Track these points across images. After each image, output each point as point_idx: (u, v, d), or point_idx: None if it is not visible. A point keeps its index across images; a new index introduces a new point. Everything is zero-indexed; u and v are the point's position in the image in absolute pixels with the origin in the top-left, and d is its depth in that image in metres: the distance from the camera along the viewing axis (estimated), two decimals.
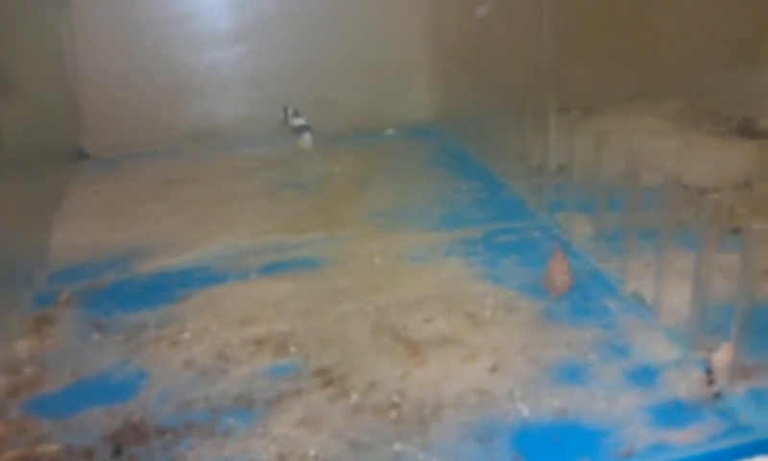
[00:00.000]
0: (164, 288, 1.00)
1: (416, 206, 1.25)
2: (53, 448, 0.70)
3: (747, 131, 1.37)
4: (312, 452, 0.67)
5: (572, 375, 0.76)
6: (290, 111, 1.50)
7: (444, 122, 1.73)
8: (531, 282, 0.95)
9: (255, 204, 1.29)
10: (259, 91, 1.69)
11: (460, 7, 1.56)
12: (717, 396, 0.72)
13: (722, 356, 0.75)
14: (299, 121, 1.49)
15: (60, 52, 1.57)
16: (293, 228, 1.17)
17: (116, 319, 0.93)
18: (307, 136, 1.47)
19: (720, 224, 0.92)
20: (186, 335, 0.88)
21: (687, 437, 0.67)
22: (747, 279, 0.73)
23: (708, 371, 0.75)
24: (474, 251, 1.06)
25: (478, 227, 1.14)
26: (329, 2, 1.68)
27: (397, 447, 0.67)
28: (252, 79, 1.68)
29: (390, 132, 1.71)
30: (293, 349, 0.84)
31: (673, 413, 0.70)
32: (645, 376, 0.76)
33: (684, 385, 0.74)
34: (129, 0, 1.59)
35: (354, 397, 0.74)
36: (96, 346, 0.87)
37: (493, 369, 0.77)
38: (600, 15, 1.55)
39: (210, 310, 0.93)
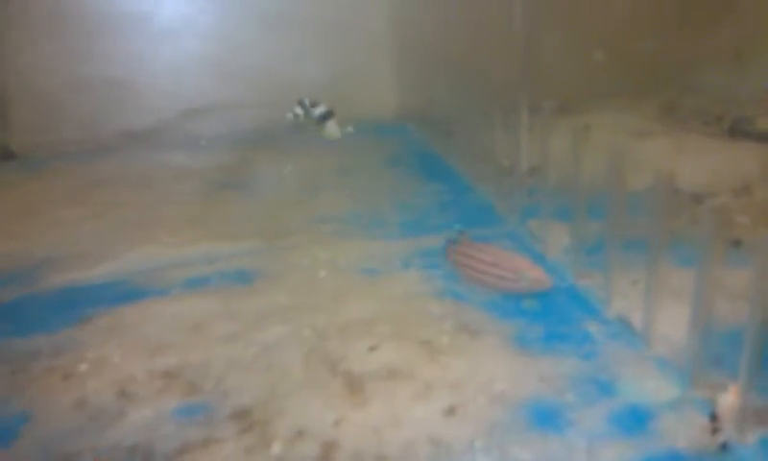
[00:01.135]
0: (69, 307, 0.85)
1: (372, 211, 1.11)
2: None
3: (740, 131, 1.24)
4: None
5: (546, 419, 0.62)
6: (307, 102, 1.35)
7: (408, 118, 1.60)
8: (498, 300, 0.81)
9: (187, 208, 1.15)
10: (205, 88, 1.55)
11: None
12: (724, 447, 0.58)
13: (729, 399, 0.61)
14: (319, 109, 1.34)
15: None
16: (226, 235, 1.03)
17: (5, 345, 0.78)
18: (332, 123, 1.31)
19: (720, 235, 0.79)
20: (83, 367, 0.73)
21: None
22: (758, 301, 0.59)
23: (713, 416, 0.61)
24: (435, 263, 0.91)
25: (441, 234, 1.00)
26: None
27: None
28: (196, 75, 1.54)
29: (349, 129, 1.56)
30: (208, 384, 0.69)
31: None
32: (635, 420, 0.62)
33: (683, 433, 0.60)
34: None
35: (276, 448, 0.60)
36: None
37: (450, 411, 0.63)
38: (576, 7, 1.43)
39: (117, 335, 0.78)
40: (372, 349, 0.72)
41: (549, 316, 0.78)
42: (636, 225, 0.77)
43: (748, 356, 0.60)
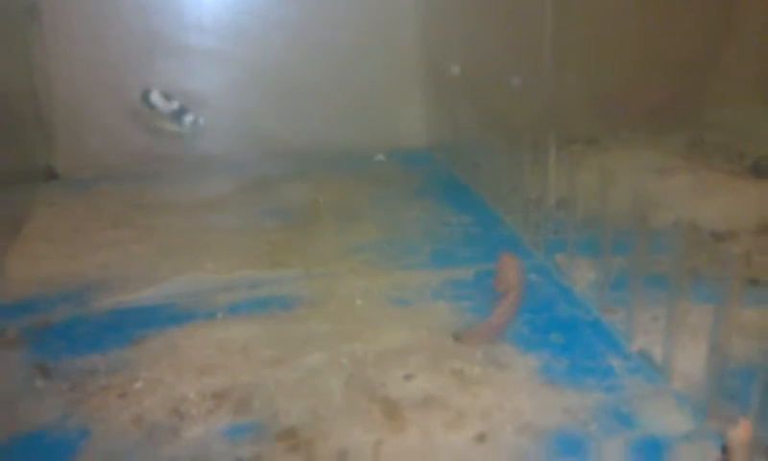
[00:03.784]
0: (120, 328, 0.91)
1: (404, 241, 1.16)
2: None
3: (762, 170, 1.28)
4: None
5: (571, 448, 0.67)
6: (156, 95, 1.26)
7: (437, 148, 1.65)
8: (526, 333, 0.86)
9: (229, 234, 1.20)
10: (243, 114, 1.60)
11: (456, 30, 1.48)
12: None
13: (740, 433, 0.65)
14: (173, 104, 1.28)
15: (31, 69, 1.49)
16: (268, 262, 1.08)
17: (63, 363, 0.83)
18: (189, 119, 1.25)
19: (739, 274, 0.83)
20: (138, 385, 0.78)
21: None
22: None
23: (724, 449, 0.65)
24: (465, 294, 0.96)
25: (470, 266, 1.05)
26: (322, 22, 1.61)
27: None
28: (236, 100, 1.60)
29: (380, 157, 1.62)
30: (256, 405, 0.74)
31: None
32: (652, 451, 0.66)
33: None
34: (103, 14, 1.51)
35: None
36: (38, 395, 0.78)
37: (481, 438, 0.68)
38: (603, 44, 1.47)
39: (168, 356, 0.84)
40: (408, 377, 0.77)
41: (574, 349, 0.83)
42: (659, 262, 0.81)
43: (759, 391, 0.64)
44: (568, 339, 0.85)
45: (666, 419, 0.70)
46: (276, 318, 0.92)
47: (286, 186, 1.44)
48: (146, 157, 1.56)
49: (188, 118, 1.24)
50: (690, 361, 0.76)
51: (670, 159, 1.36)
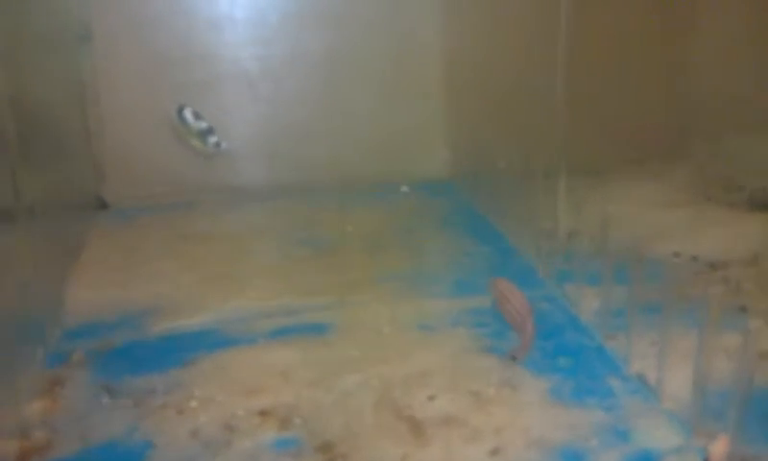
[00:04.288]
0: (174, 351, 1.02)
1: (428, 271, 1.26)
2: None
3: (758, 202, 1.37)
4: None
5: (574, 460, 0.77)
6: (189, 112, 1.39)
7: (458, 180, 1.75)
8: (537, 358, 0.96)
9: (266, 263, 1.31)
10: (274, 148, 1.71)
11: (476, 67, 1.58)
12: None
13: (719, 447, 0.75)
14: (202, 124, 1.41)
15: (83, 99, 1.60)
16: (304, 291, 1.19)
17: (126, 382, 0.94)
18: (213, 140, 1.37)
19: (725, 302, 0.93)
20: (193, 403, 0.89)
21: None
22: (746, 362, 0.73)
23: None
24: (482, 321, 1.06)
25: (487, 295, 1.15)
26: (348, 57, 1.71)
27: None
28: (269, 133, 1.71)
29: (405, 189, 1.72)
30: (297, 421, 0.85)
31: None
32: None
33: None
34: (152, 48, 1.62)
35: None
36: (106, 411, 0.89)
37: (495, 452, 0.78)
38: (611, 78, 1.56)
39: (218, 377, 0.94)
40: (431, 398, 0.87)
41: (580, 372, 0.93)
42: (656, 291, 0.91)
43: (736, 409, 0.74)
44: (575, 363, 0.95)
45: (658, 434, 0.80)
46: (311, 343, 1.03)
47: (316, 216, 1.55)
48: (188, 187, 1.67)
49: (212, 139, 1.32)
50: (680, 383, 0.86)
51: (673, 192, 1.45)
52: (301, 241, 1.41)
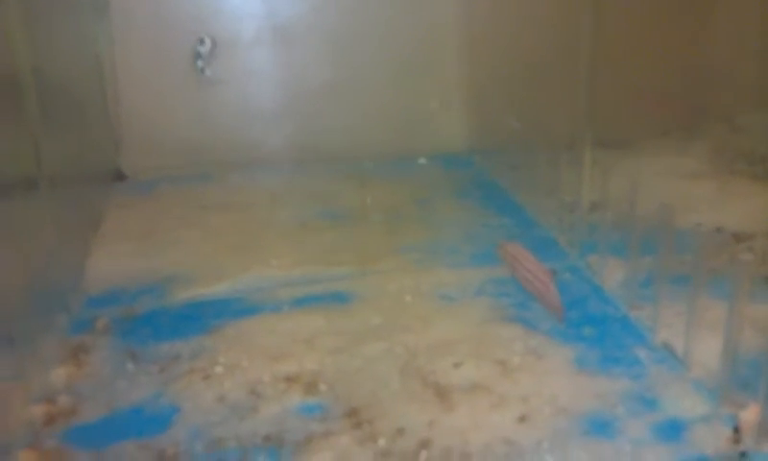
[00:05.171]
0: (198, 318, 1.02)
1: (448, 242, 1.26)
2: None
3: None
4: None
5: (600, 427, 0.76)
6: (207, 38, 1.46)
7: (477, 152, 1.74)
8: (561, 327, 0.96)
9: (286, 233, 1.31)
10: (294, 118, 1.71)
11: (496, 37, 1.57)
12: (743, 455, 0.72)
13: (750, 415, 0.75)
14: (201, 48, 1.46)
15: (101, 70, 1.60)
16: (325, 260, 1.18)
17: (150, 349, 0.95)
18: (200, 64, 1.42)
19: (753, 272, 0.92)
20: (218, 369, 0.89)
21: None
22: None
23: (736, 429, 0.75)
24: (505, 291, 1.06)
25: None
26: (367, 30, 1.70)
27: None
28: (287, 105, 1.70)
29: (422, 161, 1.72)
30: (323, 388, 0.85)
31: None
32: (673, 430, 0.76)
33: (711, 442, 0.74)
34: (168, 19, 1.62)
35: (382, 442, 0.75)
36: (130, 377, 0.89)
37: (522, 419, 0.78)
38: (635, 51, 1.55)
39: (242, 344, 0.94)
40: (456, 365, 0.87)
41: (605, 342, 0.92)
42: (683, 262, 0.90)
43: (765, 380, 0.74)
44: (600, 333, 0.95)
45: (685, 403, 0.80)
46: (334, 311, 1.03)
47: (335, 188, 1.54)
48: (205, 159, 1.67)
49: (199, 62, 1.50)
50: (708, 353, 0.85)
51: (697, 164, 1.44)
52: (321, 212, 1.40)
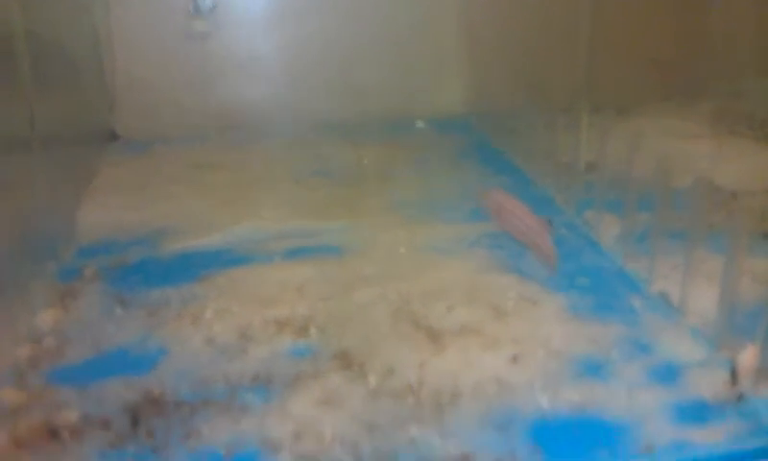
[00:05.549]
0: (188, 268, 1.01)
1: (443, 199, 1.24)
2: (71, 416, 0.71)
3: None
4: (329, 433, 0.67)
5: (594, 370, 0.75)
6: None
7: (474, 115, 1.73)
8: (558, 276, 0.94)
9: (281, 190, 1.30)
10: (290, 80, 1.69)
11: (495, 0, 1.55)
12: (740, 397, 0.71)
13: (747, 358, 0.73)
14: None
15: (96, 33, 1.58)
16: (318, 215, 1.17)
17: (139, 295, 0.93)
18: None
19: (751, 228, 0.91)
20: (208, 314, 0.88)
21: (709, 436, 0.66)
22: None
23: (733, 372, 0.73)
24: (500, 244, 1.04)
25: None
26: None
27: (414, 431, 0.67)
28: (283, 68, 1.69)
29: (420, 124, 1.70)
30: (313, 331, 0.83)
31: (695, 412, 0.69)
32: (668, 374, 0.75)
33: (708, 385, 0.73)
34: None
35: (372, 381, 0.74)
36: (118, 320, 0.88)
37: (514, 360, 0.76)
38: (636, 14, 1.54)
39: (232, 291, 0.93)
40: (449, 309, 0.86)
41: (599, 291, 0.91)
42: (679, 218, 0.89)
43: (764, 325, 0.72)
44: (594, 283, 0.93)
45: (681, 348, 0.79)
46: (327, 262, 1.01)
47: (330, 150, 1.53)
48: (199, 121, 1.65)
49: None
50: (704, 302, 0.84)
51: (696, 127, 1.43)
52: (315, 172, 1.39)
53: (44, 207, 1.03)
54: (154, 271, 1.01)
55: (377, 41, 1.70)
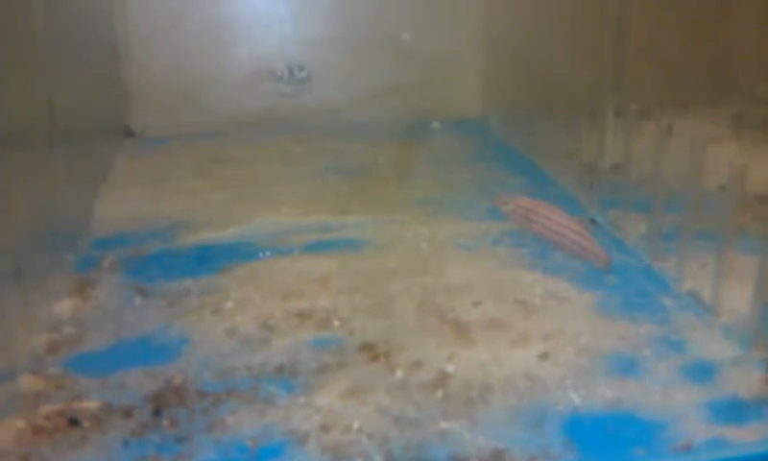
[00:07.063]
0: (207, 260, 0.99)
1: (463, 197, 1.23)
2: (92, 404, 0.69)
3: None
4: (356, 425, 0.65)
5: (626, 367, 0.73)
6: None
7: (491, 118, 1.71)
8: (583, 273, 0.93)
9: (300, 185, 1.28)
10: (307, 79, 1.68)
11: (515, 3, 1.54)
12: None
13: None
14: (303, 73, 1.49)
15: (113, 30, 1.57)
16: (337, 210, 1.16)
17: (159, 285, 0.92)
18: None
19: None
20: (229, 304, 0.86)
21: (747, 435, 0.64)
22: None
23: None
24: (523, 242, 1.03)
25: None
26: None
27: (443, 425, 0.65)
28: (300, 66, 1.67)
29: (436, 125, 1.69)
30: (336, 323, 0.82)
31: (732, 410, 0.67)
32: (702, 372, 0.73)
33: (744, 383, 0.71)
34: None
35: (399, 373, 0.72)
36: (138, 310, 0.86)
37: (544, 356, 0.75)
38: (658, 19, 1.52)
39: (253, 283, 0.92)
40: (476, 304, 0.84)
41: (627, 289, 0.89)
42: (707, 219, 0.88)
43: None
44: (622, 281, 0.92)
45: (714, 346, 0.77)
46: (348, 256, 1.00)
47: (347, 148, 1.51)
48: (216, 118, 1.64)
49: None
50: (736, 300, 0.82)
51: (719, 130, 1.41)
52: (333, 168, 1.37)
53: (61, 198, 1.01)
54: (172, 262, 0.99)
55: (395, 42, 1.68)
